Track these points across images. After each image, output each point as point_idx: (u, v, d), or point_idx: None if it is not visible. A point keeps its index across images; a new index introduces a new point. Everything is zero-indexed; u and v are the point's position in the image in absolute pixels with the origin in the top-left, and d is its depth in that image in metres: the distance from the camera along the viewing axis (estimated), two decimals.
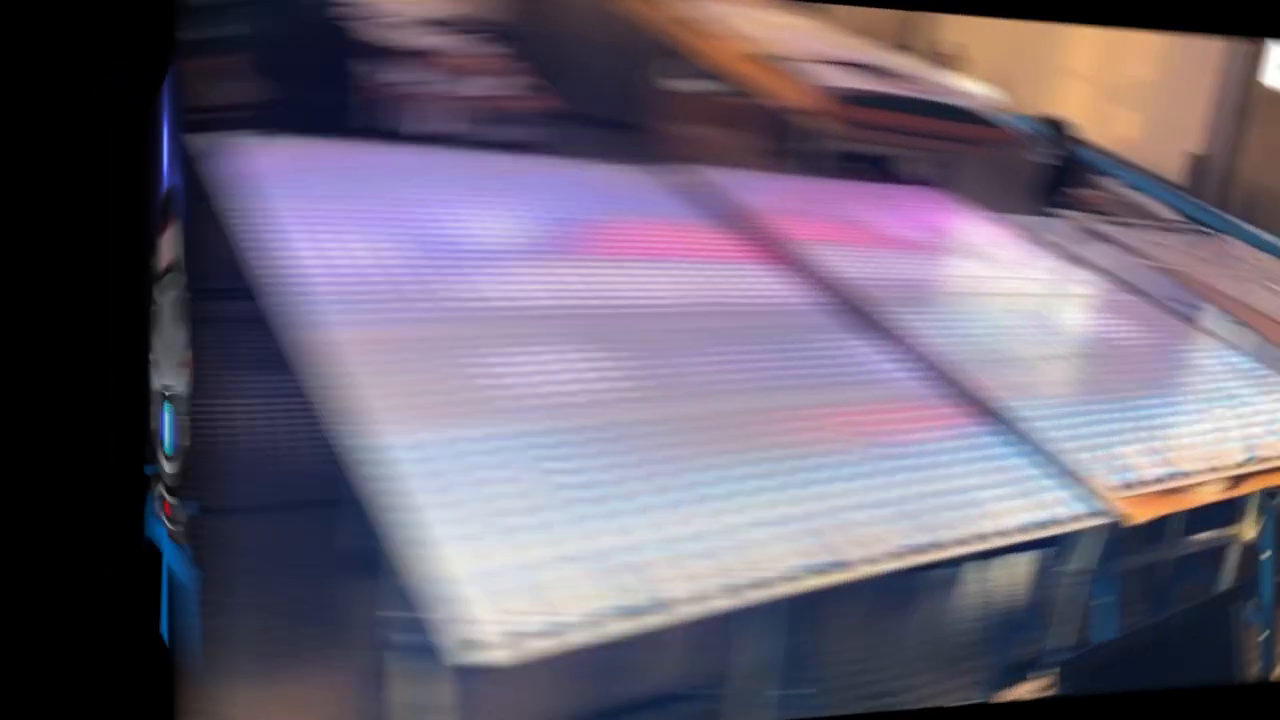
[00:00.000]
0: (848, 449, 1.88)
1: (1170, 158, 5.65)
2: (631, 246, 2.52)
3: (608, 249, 2.47)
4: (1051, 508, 1.84)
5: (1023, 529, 1.76)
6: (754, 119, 6.99)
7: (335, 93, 3.28)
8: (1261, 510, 2.51)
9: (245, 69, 3.21)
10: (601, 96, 6.55)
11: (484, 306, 2.00)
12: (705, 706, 2.40)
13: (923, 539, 1.66)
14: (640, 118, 6.87)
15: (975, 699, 2.58)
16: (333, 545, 2.74)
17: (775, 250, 2.72)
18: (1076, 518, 1.84)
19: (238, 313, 3.48)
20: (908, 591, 2.99)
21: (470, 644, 1.26)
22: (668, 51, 5.68)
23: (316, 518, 2.83)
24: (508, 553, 1.41)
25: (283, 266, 1.94)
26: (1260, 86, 5.71)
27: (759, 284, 2.49)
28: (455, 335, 1.93)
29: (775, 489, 1.72)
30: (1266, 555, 2.49)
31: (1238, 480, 2.14)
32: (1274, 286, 3.70)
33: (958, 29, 7.49)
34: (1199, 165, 5.56)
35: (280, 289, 1.90)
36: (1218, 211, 5.03)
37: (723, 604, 1.49)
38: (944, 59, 6.51)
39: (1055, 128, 5.25)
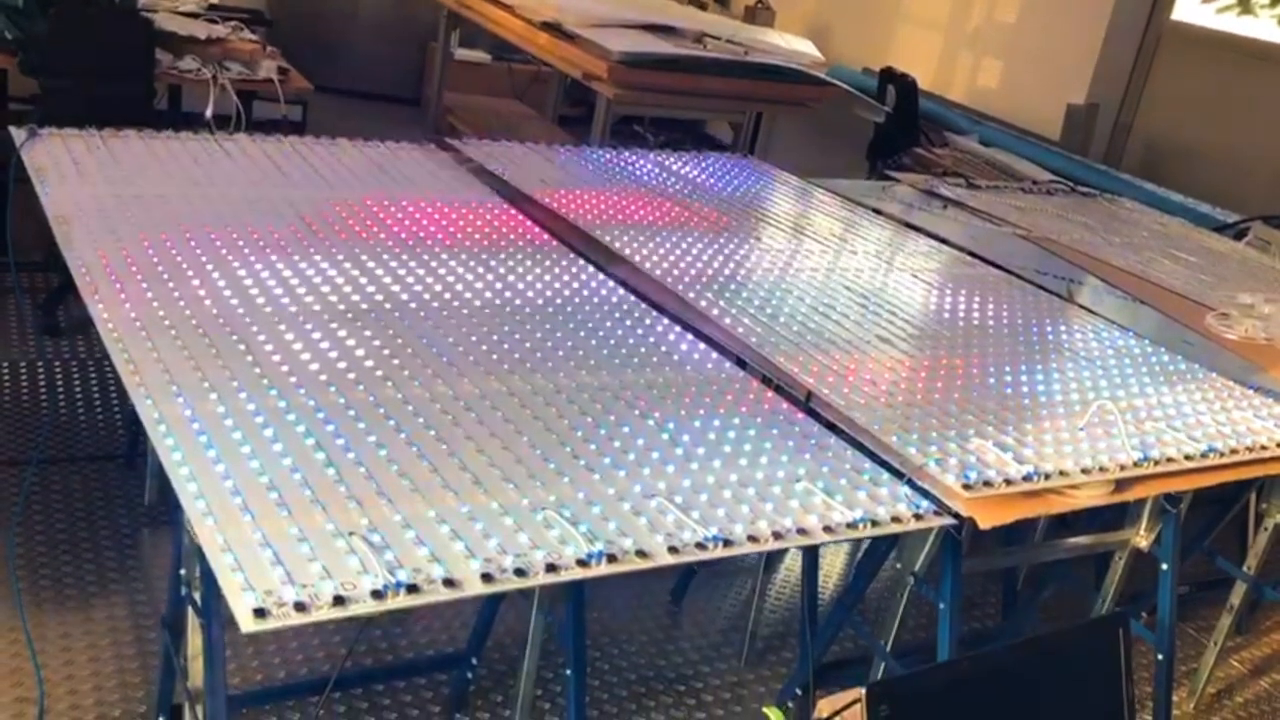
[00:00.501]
0: (637, 432, 1.72)
1: (1048, 109, 5.41)
2: (408, 224, 2.46)
3: (382, 227, 2.42)
4: (878, 505, 1.66)
5: (835, 528, 1.58)
6: (549, 88, 6.81)
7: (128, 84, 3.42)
8: (1158, 515, 2.33)
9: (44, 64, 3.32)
10: (374, 75, 6.38)
11: (255, 286, 2.03)
12: (484, 674, 2.42)
13: (713, 532, 1.48)
14: (420, 92, 6.63)
15: (780, 694, 2.45)
16: (120, 499, 2.88)
17: (566, 227, 2.58)
18: (908, 518, 1.65)
19: (29, 284, 3.68)
20: (711, 575, 2.89)
21: (237, 607, 1.23)
22: (458, 23, 5.54)
23: (101, 472, 2.96)
24: (275, 524, 1.37)
25: (75, 247, 2.02)
26: (1165, 22, 5.41)
27: (544, 262, 2.40)
28: (227, 313, 1.92)
29: (553, 473, 1.57)
30: (1165, 568, 2.30)
31: (1125, 484, 1.93)
32: (1181, 255, 3.34)
33: None
34: (1084, 116, 5.29)
35: (72, 267, 1.96)
36: (1104, 168, 4.75)
37: (486, 589, 1.37)
38: (765, 14, 6.25)
39: (892, 82, 5.04)
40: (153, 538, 2.76)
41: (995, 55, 5.67)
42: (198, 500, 1.39)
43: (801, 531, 1.59)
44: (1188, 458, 1.97)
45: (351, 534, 1.38)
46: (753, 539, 1.54)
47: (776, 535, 1.56)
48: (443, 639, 2.57)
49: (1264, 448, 2.08)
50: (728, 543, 1.52)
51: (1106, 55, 5.11)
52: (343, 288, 2.07)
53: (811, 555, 2.33)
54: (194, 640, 1.72)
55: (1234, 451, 2.03)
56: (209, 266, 2.05)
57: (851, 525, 1.63)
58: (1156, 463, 1.94)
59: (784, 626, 2.85)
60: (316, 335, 1.87)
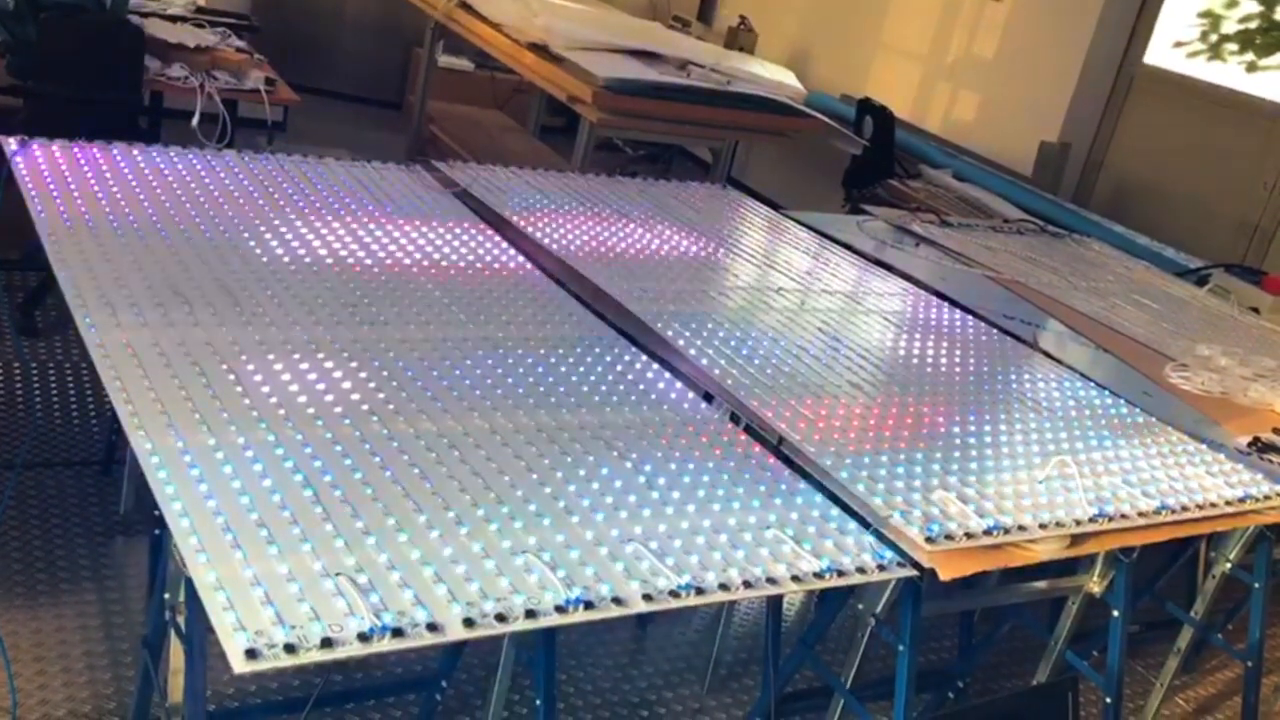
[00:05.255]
0: (615, 474, 1.78)
1: (1021, 145, 5.53)
2: (395, 251, 2.50)
3: (370, 254, 2.46)
4: (844, 554, 1.73)
5: (803, 577, 1.65)
6: (531, 99, 6.80)
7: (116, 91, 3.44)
8: (1111, 563, 2.41)
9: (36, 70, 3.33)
10: (357, 77, 6.32)
11: (245, 314, 2.06)
12: (452, 696, 2.46)
13: (687, 580, 1.54)
14: (402, 96, 6.61)
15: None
16: (95, 505, 2.90)
17: (548, 256, 2.63)
18: (872, 569, 1.72)
19: (6, 282, 3.65)
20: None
21: (229, 647, 1.28)
22: (444, 34, 5.55)
23: (78, 477, 2.98)
24: (265, 562, 1.42)
25: (67, 268, 2.06)
26: (1138, 65, 5.57)
27: (527, 293, 2.45)
28: (214, 340, 1.95)
29: (534, 515, 1.62)
30: (1117, 614, 2.38)
31: (1081, 538, 2.01)
32: (1144, 300, 3.42)
33: (771, 3, 7.22)
34: (1056, 154, 5.41)
35: (64, 287, 1.99)
36: (1073, 207, 4.86)
37: (468, 634, 1.41)
38: (748, 36, 6.31)
39: (870, 113, 5.12)
40: (127, 546, 2.78)
41: (972, 89, 5.77)
42: (191, 536, 1.44)
43: (771, 581, 1.65)
44: (1141, 514, 2.06)
45: (338, 574, 1.43)
46: (724, 587, 1.61)
47: (747, 584, 1.62)
48: (412, 658, 2.61)
49: (1213, 505, 2.17)
50: (700, 590, 1.59)
51: (1080, 95, 5.22)
52: (330, 318, 2.11)
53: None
54: (174, 657, 1.75)
55: (1185, 509, 2.12)
56: (200, 292, 2.09)
57: (819, 575, 1.70)
58: (1111, 519, 2.02)
59: (746, 654, 2.91)
60: (305, 367, 1.92)
